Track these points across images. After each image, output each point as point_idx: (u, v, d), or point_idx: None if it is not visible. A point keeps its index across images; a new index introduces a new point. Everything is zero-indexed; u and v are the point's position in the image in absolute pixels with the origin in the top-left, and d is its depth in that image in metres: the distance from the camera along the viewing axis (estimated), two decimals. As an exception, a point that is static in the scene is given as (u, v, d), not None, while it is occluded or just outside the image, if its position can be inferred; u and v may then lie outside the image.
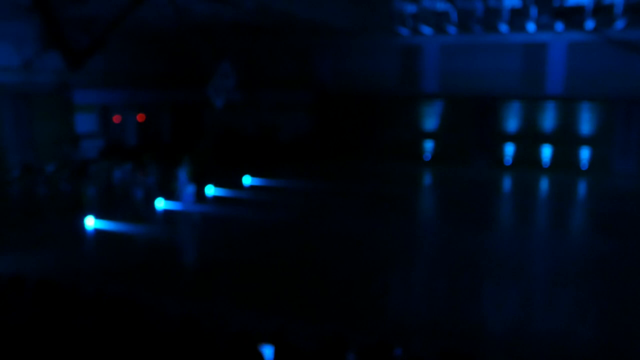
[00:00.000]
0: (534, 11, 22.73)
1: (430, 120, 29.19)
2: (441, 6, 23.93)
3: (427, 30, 26.41)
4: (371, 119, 29.34)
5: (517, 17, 24.04)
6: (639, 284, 12.62)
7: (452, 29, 26.03)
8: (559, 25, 24.69)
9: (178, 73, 30.40)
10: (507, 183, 24.89)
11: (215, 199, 21.16)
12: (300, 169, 20.40)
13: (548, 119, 27.12)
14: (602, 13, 21.80)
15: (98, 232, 16.26)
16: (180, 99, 30.85)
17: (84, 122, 27.48)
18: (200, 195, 21.11)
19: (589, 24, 22.92)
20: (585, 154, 26.53)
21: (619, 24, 23.08)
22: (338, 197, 17.29)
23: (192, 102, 29.26)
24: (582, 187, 24.38)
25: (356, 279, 13.13)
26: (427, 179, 25.60)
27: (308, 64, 30.58)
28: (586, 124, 26.59)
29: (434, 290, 12.47)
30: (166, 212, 18.94)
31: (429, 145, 29.16)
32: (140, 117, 31.15)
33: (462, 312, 10.95)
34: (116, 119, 30.07)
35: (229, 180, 23.33)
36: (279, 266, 13.77)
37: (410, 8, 24.66)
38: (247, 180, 23.81)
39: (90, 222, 16.70)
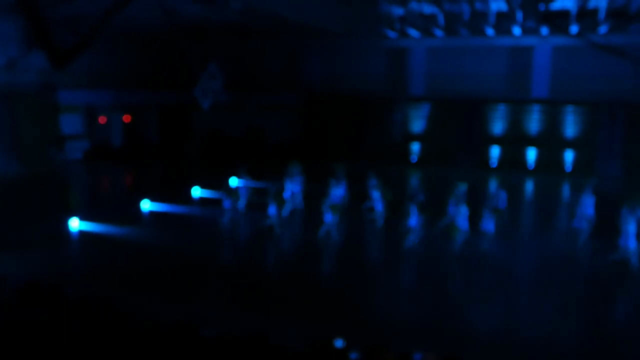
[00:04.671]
0: (519, 15, 22.95)
1: (417, 123, 29.33)
2: (428, 9, 24.08)
3: (414, 33, 26.56)
4: (359, 121, 29.39)
5: (503, 21, 24.27)
6: (621, 288, 12.78)
7: (439, 32, 26.20)
8: (544, 30, 24.99)
9: (165, 74, 30.23)
10: (492, 185, 25.03)
11: (202, 200, 21.05)
12: (287, 171, 20.37)
13: (533, 122, 27.39)
14: (586, 18, 22.09)
15: (83, 234, 16.10)
16: (168, 100, 30.68)
17: (69, 123, 27.25)
18: (186, 196, 21.02)
19: (574, 29, 23.21)
20: (569, 156, 26.84)
21: (603, 28, 23.42)
22: (321, 199, 17.34)
23: (180, 103, 29.09)
24: (565, 189, 24.61)
25: (342, 282, 13.17)
26: (411, 180, 25.67)
27: (296, 65, 30.60)
28: (571, 126, 26.89)
29: (420, 293, 12.50)
30: (154, 214, 18.81)
31: (415, 147, 29.31)
32: (127, 119, 30.97)
33: (448, 316, 11.00)
34: (102, 120, 29.87)
35: (216, 181, 23.23)
36: (264, 268, 13.75)
37: (398, 11, 24.78)
38: (233, 182, 23.73)
39: (75, 224, 16.53)
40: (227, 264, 14.43)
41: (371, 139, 29.19)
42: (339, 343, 6.88)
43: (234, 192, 17.19)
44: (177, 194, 21.04)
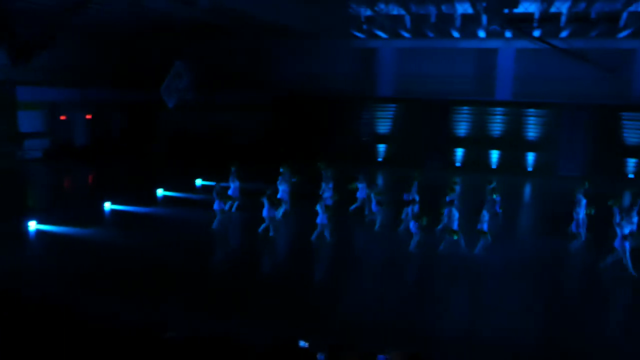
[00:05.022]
0: (484, 18, 23.34)
1: (385, 123, 29.55)
2: (395, 11, 24.26)
3: (382, 34, 26.75)
4: (327, 121, 29.43)
5: (469, 24, 24.65)
6: (582, 285, 13.13)
7: (406, 34, 26.45)
8: (509, 33, 25.49)
9: (131, 72, 29.63)
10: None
11: (167, 200, 20.75)
12: (254, 171, 20.26)
13: (497, 123, 27.95)
14: (549, 22, 22.61)
15: (42, 235, 15.67)
16: (133, 98, 30.10)
17: (29, 121, 26.48)
18: (151, 196, 20.70)
19: (537, 32, 23.73)
20: (531, 156, 27.48)
21: (565, 33, 24.02)
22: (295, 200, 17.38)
23: (146, 101, 28.56)
24: (527, 189, 25.16)
25: (308, 282, 13.18)
26: (380, 180, 25.81)
27: (265, 65, 30.44)
28: (533, 128, 27.53)
29: (385, 292, 12.58)
30: (117, 214, 18.45)
31: (383, 147, 29.54)
32: (90, 117, 30.32)
33: (412, 315, 11.10)
34: (64, 117, 29.16)
35: (182, 181, 22.95)
36: (230, 269, 13.62)
37: (366, 12, 24.89)
38: (198, 182, 23.50)
39: (33, 225, 16.09)
40: (192, 266, 14.19)
41: (340, 139, 29.27)
42: (303, 343, 6.89)
43: (224, 194, 16.84)
44: (142, 194, 20.69)
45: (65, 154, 28.05)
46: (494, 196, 17.07)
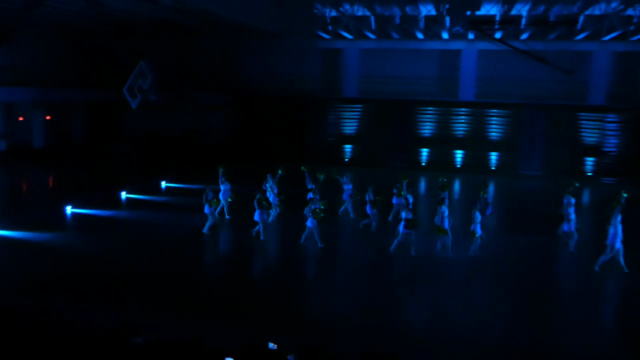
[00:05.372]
0: (447, 20, 23.71)
1: (351, 123, 29.72)
2: (360, 12, 24.44)
3: (347, 34, 26.89)
4: (294, 121, 29.42)
5: (433, 25, 25.02)
6: (548, 281, 13.43)
7: (371, 35, 26.66)
8: (471, 34, 25.97)
9: (94, 72, 28.93)
10: (421, 184, 25.72)
11: (131, 202, 20.37)
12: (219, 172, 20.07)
13: (461, 123, 28.46)
14: (510, 24, 23.13)
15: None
16: (96, 98, 29.40)
17: (-16, 122, 25.62)
18: (113, 199, 20.28)
19: (498, 34, 24.24)
20: (494, 156, 28.09)
21: (525, 35, 24.62)
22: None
23: (109, 102, 27.92)
24: (490, 188, 25.62)
25: (277, 282, 13.14)
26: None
27: (231, 65, 30.21)
28: (495, 128, 28.14)
29: (353, 291, 12.64)
30: (79, 218, 18.01)
31: (349, 147, 29.70)
32: (50, 117, 29.52)
33: (381, 314, 11.18)
34: (22, 118, 28.30)
35: (147, 183, 22.58)
36: (197, 273, 13.47)
37: (331, 12, 24.99)
38: (163, 184, 23.18)
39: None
40: (159, 270, 13.94)
41: (307, 139, 29.31)
42: (272, 345, 6.86)
43: (215, 197, 16.44)
44: (105, 196, 20.24)
45: (23, 156, 27.22)
46: (485, 196, 17.02)
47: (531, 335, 10.34)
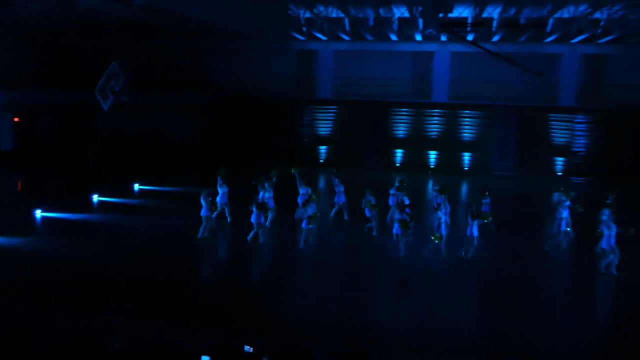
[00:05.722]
0: (420, 22, 23.93)
1: (326, 124, 29.76)
2: (334, 13, 24.48)
3: (321, 36, 26.92)
4: (268, 123, 29.30)
5: (406, 27, 25.22)
6: (519, 282, 13.63)
7: (345, 36, 26.73)
8: (444, 36, 26.26)
9: (64, 73, 28.31)
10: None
11: (103, 205, 20.04)
12: (193, 175, 19.89)
13: (434, 124, 28.75)
14: (482, 27, 23.46)
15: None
16: (66, 100, 28.74)
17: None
18: (84, 202, 19.91)
19: (470, 36, 24.57)
20: (467, 156, 28.46)
21: (496, 37, 24.99)
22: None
23: (80, 103, 27.31)
24: (463, 188, 25.94)
25: (249, 285, 13.09)
26: (320, 181, 25.94)
27: (204, 66, 29.96)
28: (468, 129, 28.51)
29: (324, 292, 12.65)
30: (50, 222, 17.62)
31: (324, 148, 29.73)
32: (18, 119, 28.85)
33: (362, 316, 11.21)
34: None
35: (119, 186, 22.23)
36: (169, 276, 13.29)
37: (305, 13, 24.98)
38: (136, 186, 22.86)
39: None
40: (132, 274, 13.71)
41: (280, 141, 29.23)
42: (248, 348, 6.82)
43: (213, 200, 16.12)
44: (76, 200, 19.86)
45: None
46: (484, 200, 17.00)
47: (509, 335, 10.48)
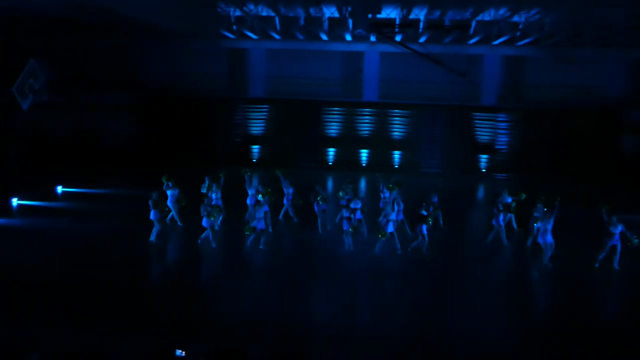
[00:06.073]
0: (350, 22, 24.32)
1: (258, 123, 29.66)
2: (265, 12, 24.46)
3: (252, 34, 26.81)
4: (200, 122, 28.85)
5: (336, 27, 25.55)
6: (445, 278, 14.18)
7: (276, 35, 26.75)
8: (373, 37, 26.80)
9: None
10: (329, 183, 26.19)
11: (23, 209, 19.09)
12: (122, 176, 19.30)
13: (365, 124, 29.31)
14: (409, 28, 24.14)
15: None
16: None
17: None
18: (3, 206, 18.91)
19: (398, 37, 25.23)
20: (397, 154, 29.21)
21: (423, 38, 25.78)
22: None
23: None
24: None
25: (185, 287, 12.91)
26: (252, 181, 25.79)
27: (132, 64, 29.04)
28: (397, 127, 29.26)
29: (264, 293, 12.68)
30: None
31: (257, 147, 29.62)
32: None
33: (296, 315, 11.30)
34: None
35: (40, 188, 21.24)
36: (99, 281, 12.92)
37: (235, 12, 24.80)
38: (59, 189, 21.93)
39: None
40: (58, 278, 13.18)
41: (213, 141, 28.87)
42: (180, 352, 6.78)
43: (161, 202, 15.68)
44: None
45: None
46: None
47: (444, 332, 10.86)
